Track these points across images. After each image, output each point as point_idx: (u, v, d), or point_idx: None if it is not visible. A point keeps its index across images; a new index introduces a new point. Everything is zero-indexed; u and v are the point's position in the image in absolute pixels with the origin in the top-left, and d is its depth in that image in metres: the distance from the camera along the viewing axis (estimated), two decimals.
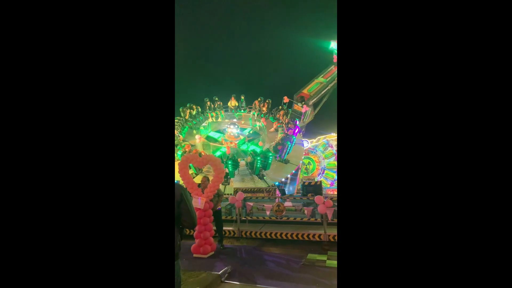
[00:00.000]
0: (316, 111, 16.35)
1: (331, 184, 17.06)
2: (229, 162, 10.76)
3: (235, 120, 14.65)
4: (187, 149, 11.15)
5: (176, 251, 1.81)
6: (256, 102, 14.75)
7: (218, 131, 14.25)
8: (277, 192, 9.05)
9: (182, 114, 14.02)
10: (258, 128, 14.42)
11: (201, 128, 14.07)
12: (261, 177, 11.26)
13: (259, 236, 6.35)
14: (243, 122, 14.89)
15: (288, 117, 13.61)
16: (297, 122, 13.32)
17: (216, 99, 15.12)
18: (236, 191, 8.34)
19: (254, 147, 12.86)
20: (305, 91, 16.13)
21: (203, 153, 10.72)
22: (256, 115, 14.71)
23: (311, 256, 5.03)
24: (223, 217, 6.63)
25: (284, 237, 6.12)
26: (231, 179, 10.96)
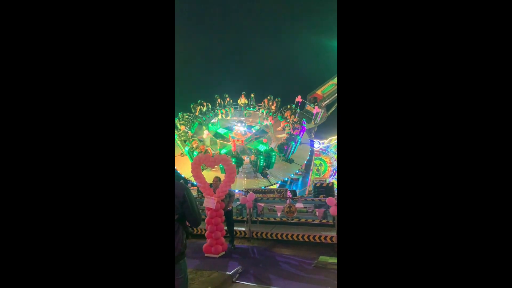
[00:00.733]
0: (329, 113, 16.18)
1: None
2: (233, 160, 10.86)
3: (242, 118, 14.74)
4: (194, 145, 11.28)
5: (182, 249, 1.83)
6: (266, 100, 14.78)
7: (226, 128, 14.36)
8: (288, 193, 9.02)
9: (192, 110, 14.19)
10: (265, 126, 14.46)
11: (210, 124, 14.21)
12: (265, 176, 11.32)
13: (270, 237, 6.34)
14: (250, 120, 14.97)
15: (296, 116, 13.58)
16: (304, 123, 13.27)
17: (226, 96, 15.22)
18: (247, 191, 8.36)
19: (261, 145, 12.92)
20: (318, 92, 16.01)
21: (209, 150, 10.83)
22: (264, 113, 14.74)
23: (322, 258, 4.98)
24: (234, 217, 6.65)
25: (295, 239, 6.09)
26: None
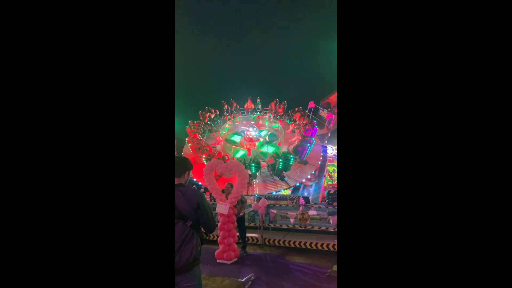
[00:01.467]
0: None
1: None
2: (253, 165, 10.87)
3: (253, 122, 14.79)
4: (210, 153, 11.37)
5: (196, 256, 1.83)
6: (272, 104, 14.81)
7: (236, 133, 14.45)
8: (301, 200, 8.91)
9: (201, 118, 14.33)
10: (275, 129, 14.45)
11: (222, 130, 14.34)
12: (282, 178, 11.26)
13: (282, 244, 6.26)
14: (260, 122, 15.02)
15: (305, 118, 13.55)
16: (315, 124, 13.20)
17: (232, 101, 15.32)
18: (259, 197, 8.32)
19: (273, 148, 12.90)
20: (332, 97, 15.89)
21: (226, 157, 10.88)
22: (272, 117, 14.75)
23: (337, 267, 4.86)
24: (246, 224, 6.62)
25: (309, 247, 5.98)
26: (254, 181, 11.04)
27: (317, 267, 5.02)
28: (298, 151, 11.68)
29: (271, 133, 14.45)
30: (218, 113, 14.91)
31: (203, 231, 1.92)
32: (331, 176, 17.70)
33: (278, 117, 14.52)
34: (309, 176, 12.05)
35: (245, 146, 13.20)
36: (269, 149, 13.07)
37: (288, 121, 14.20)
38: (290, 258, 5.64)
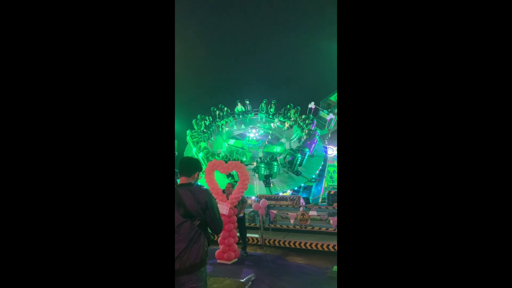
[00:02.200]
0: None
1: None
2: (274, 164, 10.93)
3: (251, 126, 14.84)
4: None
5: (203, 257, 1.82)
6: (265, 105, 14.91)
7: (234, 137, 14.45)
8: (302, 200, 8.91)
9: (195, 127, 14.23)
10: (272, 128, 14.45)
11: (223, 136, 14.38)
12: (298, 174, 11.31)
13: (282, 245, 6.26)
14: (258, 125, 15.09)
15: (299, 114, 13.68)
16: (317, 134, 13.32)
17: (223, 107, 15.33)
18: (259, 198, 8.33)
19: (280, 148, 12.93)
20: (332, 98, 15.89)
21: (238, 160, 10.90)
22: (264, 118, 14.76)
23: (337, 268, 4.85)
24: (247, 224, 6.61)
25: (309, 247, 5.98)
26: (272, 180, 11.10)
27: (317, 267, 5.01)
28: (307, 145, 11.78)
29: (274, 135, 14.47)
30: (211, 119, 14.93)
31: (210, 231, 1.91)
32: (331, 177, 17.68)
33: (270, 116, 14.61)
34: (295, 188, 12.07)
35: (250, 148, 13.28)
36: (277, 149, 13.10)
37: (281, 118, 14.29)
38: (290, 258, 5.64)
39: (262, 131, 14.56)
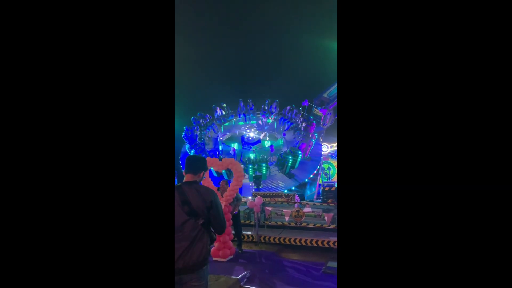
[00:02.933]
0: (336, 116, 16.11)
1: None
2: (263, 165, 10.90)
3: (250, 124, 14.82)
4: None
5: (206, 255, 1.81)
6: (264, 105, 14.94)
7: (224, 144, 14.44)
8: (297, 197, 8.95)
9: (194, 124, 14.10)
10: (261, 124, 14.50)
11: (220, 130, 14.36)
12: (291, 176, 11.31)
13: (277, 242, 6.29)
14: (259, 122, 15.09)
15: (301, 115, 13.69)
16: (312, 120, 13.31)
17: (225, 105, 15.28)
18: (254, 195, 8.35)
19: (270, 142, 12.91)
20: (325, 95, 15.94)
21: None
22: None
23: (331, 264, 4.90)
24: (242, 221, 6.62)
25: (304, 243, 6.02)
26: (264, 181, 11.10)
27: (312, 263, 5.05)
28: (301, 147, 11.79)
29: (270, 136, 14.48)
30: (211, 117, 14.85)
31: (213, 231, 1.90)
32: (326, 174, 17.80)
33: (272, 116, 14.58)
34: (285, 191, 12.13)
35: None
36: (267, 144, 13.07)
37: (282, 118, 14.26)
38: (285, 255, 5.67)
39: (256, 131, 14.56)
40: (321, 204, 7.80)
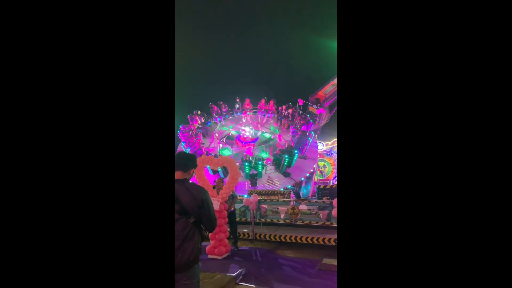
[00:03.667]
0: (332, 113, 16.18)
1: None
2: (259, 163, 10.89)
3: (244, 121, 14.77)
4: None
5: (197, 254, 1.81)
6: (262, 102, 14.89)
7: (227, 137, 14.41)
8: (292, 195, 8.98)
9: (190, 122, 14.01)
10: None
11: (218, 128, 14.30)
12: (287, 175, 11.32)
13: (273, 239, 6.31)
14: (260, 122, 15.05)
15: (297, 114, 13.70)
16: (309, 118, 13.33)
17: (221, 103, 15.24)
18: (250, 193, 8.35)
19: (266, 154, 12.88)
20: (320, 93, 15.99)
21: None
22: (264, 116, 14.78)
23: (326, 261, 4.94)
24: (237, 219, 6.63)
25: (299, 241, 6.05)
26: (259, 179, 11.07)
27: (307, 260, 5.08)
28: (297, 145, 11.80)
29: (268, 135, 14.43)
30: (206, 116, 14.78)
31: (203, 228, 1.90)
32: (321, 172, 17.87)
33: (274, 116, 14.58)
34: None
35: (242, 146, 13.23)
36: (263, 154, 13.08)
37: (279, 118, 14.27)
38: (281, 252, 5.70)
39: (253, 131, 14.52)
40: (317, 202, 7.84)
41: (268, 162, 11.76)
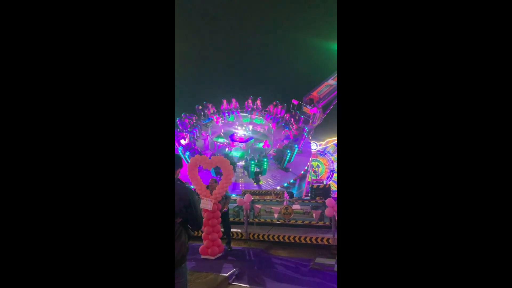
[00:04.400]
0: (325, 114, 16.28)
1: None
2: (264, 160, 10.96)
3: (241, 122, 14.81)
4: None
5: (184, 253, 1.81)
6: (250, 101, 14.96)
7: (219, 136, 14.39)
8: (286, 194, 9.02)
9: (179, 124, 13.95)
10: (261, 126, 14.55)
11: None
12: (288, 170, 11.43)
13: (266, 239, 6.32)
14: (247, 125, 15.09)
15: (286, 112, 13.81)
16: (305, 131, 13.47)
17: (208, 104, 15.27)
18: (244, 193, 8.35)
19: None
20: (314, 93, 16.09)
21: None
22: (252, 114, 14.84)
23: (319, 260, 4.97)
24: (231, 219, 6.62)
25: (292, 240, 6.07)
26: (262, 176, 11.15)
27: (300, 260, 5.11)
28: (296, 141, 11.93)
29: (262, 134, 14.48)
30: (196, 118, 14.75)
31: (190, 227, 1.90)
32: (315, 171, 17.97)
33: (257, 113, 14.68)
34: (286, 184, 12.18)
35: (236, 146, 13.29)
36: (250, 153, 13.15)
37: (268, 115, 14.40)
38: (274, 252, 5.71)
39: (249, 129, 14.55)
40: (310, 201, 7.88)
41: (270, 158, 11.87)
